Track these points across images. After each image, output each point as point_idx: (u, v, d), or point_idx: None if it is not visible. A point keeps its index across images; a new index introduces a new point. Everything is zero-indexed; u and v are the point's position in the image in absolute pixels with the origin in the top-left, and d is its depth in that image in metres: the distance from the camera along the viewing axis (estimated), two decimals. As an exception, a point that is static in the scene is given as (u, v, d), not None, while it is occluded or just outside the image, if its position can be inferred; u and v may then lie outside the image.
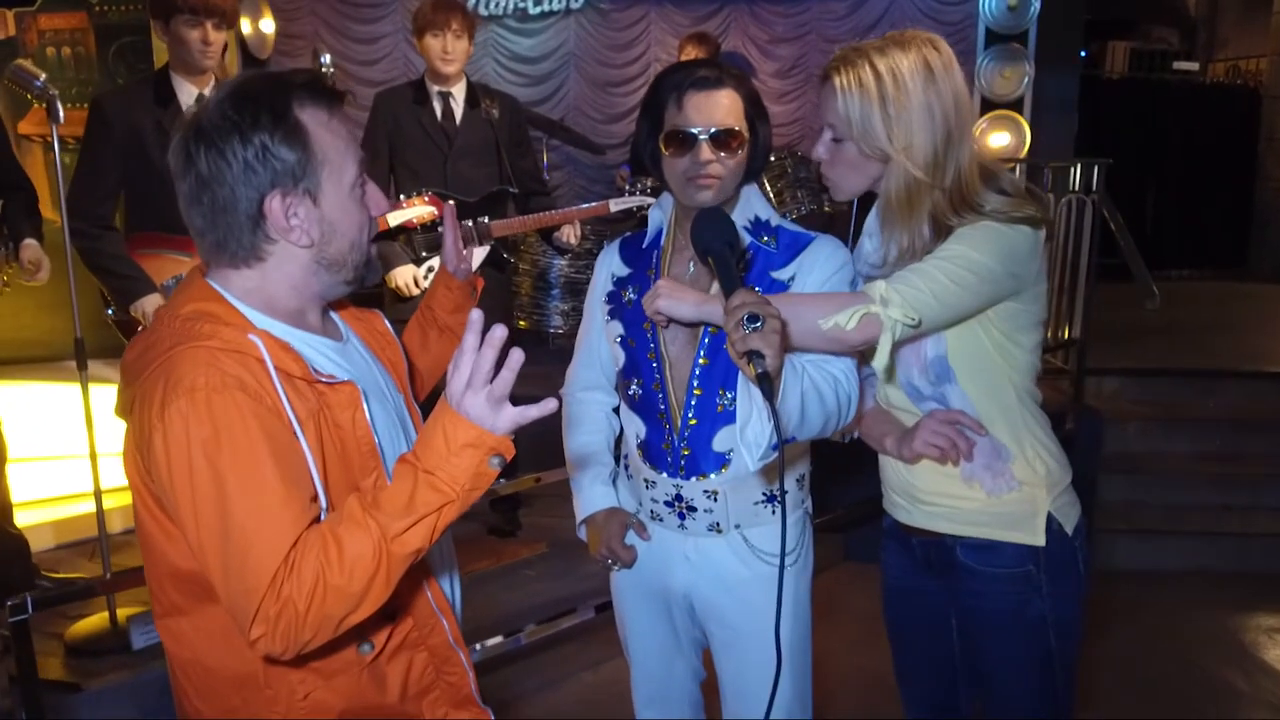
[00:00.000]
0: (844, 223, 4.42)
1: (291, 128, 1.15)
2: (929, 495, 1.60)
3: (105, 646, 2.69)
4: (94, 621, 2.79)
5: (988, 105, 4.82)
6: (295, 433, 1.13)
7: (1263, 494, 4.17)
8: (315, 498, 1.14)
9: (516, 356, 1.08)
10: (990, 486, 1.54)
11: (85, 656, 2.65)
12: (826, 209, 4.38)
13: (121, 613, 2.76)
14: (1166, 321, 5.58)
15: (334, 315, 1.37)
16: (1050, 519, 1.55)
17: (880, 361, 1.39)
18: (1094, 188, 4.07)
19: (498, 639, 2.85)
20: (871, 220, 1.60)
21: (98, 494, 2.73)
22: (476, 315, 1.09)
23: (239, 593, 1.07)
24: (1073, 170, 4.18)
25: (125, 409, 1.18)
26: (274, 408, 1.12)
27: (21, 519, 3.03)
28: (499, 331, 1.07)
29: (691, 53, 4.66)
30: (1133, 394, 4.54)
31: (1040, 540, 1.54)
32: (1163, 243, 7.91)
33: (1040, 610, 1.55)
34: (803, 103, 6.50)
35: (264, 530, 1.06)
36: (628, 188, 3.23)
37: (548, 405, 1.11)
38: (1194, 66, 9.15)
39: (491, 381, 1.08)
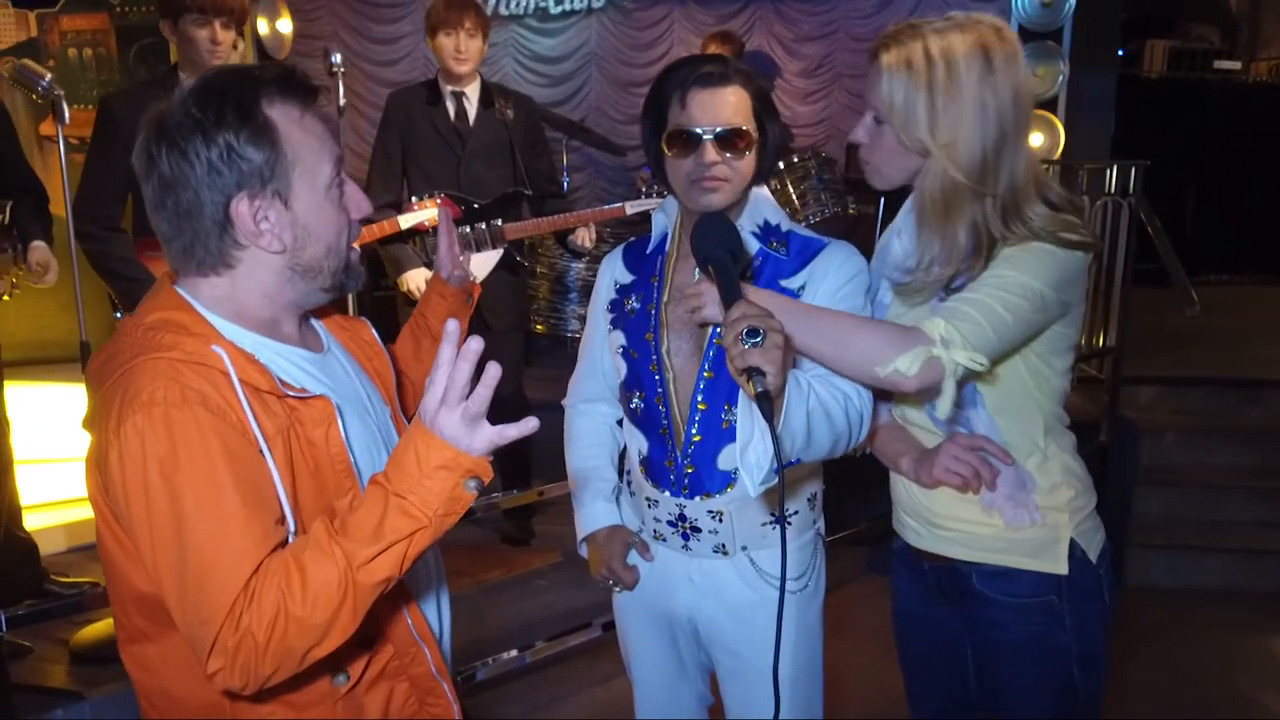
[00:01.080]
0: (869, 226, 4.32)
1: (259, 126, 1.08)
2: (944, 519, 1.50)
3: (110, 654, 2.64)
4: (99, 629, 2.76)
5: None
6: (261, 450, 1.06)
7: (1307, 509, 4.00)
8: (282, 520, 1.07)
9: (493, 371, 1.01)
10: (1010, 518, 1.45)
11: (89, 664, 2.62)
12: (851, 211, 4.28)
13: (127, 620, 2.73)
14: (1205, 328, 5.41)
15: (316, 324, 1.30)
16: (1073, 545, 1.45)
17: (944, 409, 1.29)
18: (1130, 190, 3.93)
19: (509, 654, 2.79)
20: (904, 219, 1.50)
21: (102, 499, 2.71)
22: (452, 326, 1.01)
23: (195, 622, 1.00)
24: (1108, 172, 4.05)
25: (90, 420, 1.12)
26: (238, 424, 1.05)
27: (32, 521, 3.01)
28: (474, 344, 1.00)
29: (715, 52, 4.58)
30: (1170, 404, 4.39)
31: (1063, 568, 1.44)
32: (1202, 247, 7.69)
33: (1063, 642, 1.46)
34: (829, 102, 6.38)
35: (222, 555, 1.00)
36: (644, 190, 3.16)
37: (528, 425, 1.03)
38: (1236, 66, 8.90)
39: (468, 398, 1.00)
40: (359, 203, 1.20)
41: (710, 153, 1.46)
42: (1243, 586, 3.75)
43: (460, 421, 1.00)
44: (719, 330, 1.51)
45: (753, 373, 1.13)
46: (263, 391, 1.09)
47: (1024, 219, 1.33)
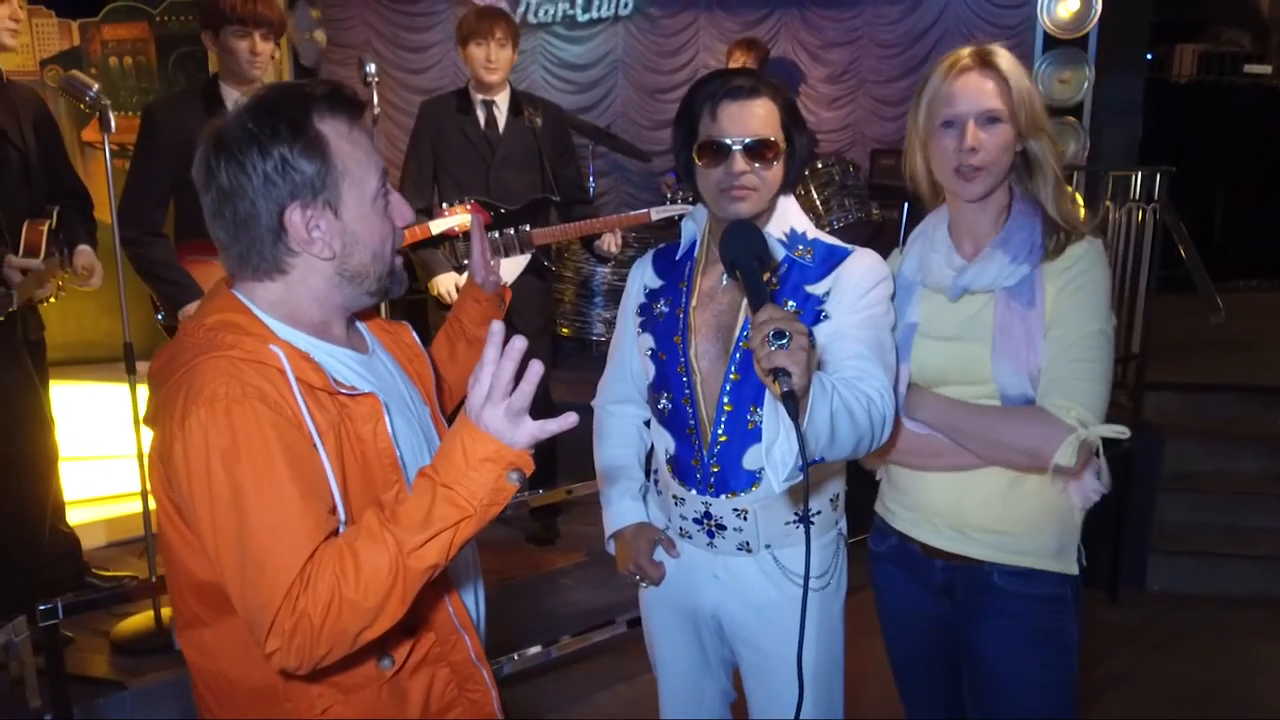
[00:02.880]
0: (893, 231, 4.34)
1: (311, 140, 1.14)
2: (982, 520, 1.56)
3: (149, 645, 2.74)
4: (139, 620, 2.84)
5: (1045, 110, 4.68)
6: (315, 444, 1.12)
7: (1332, 517, 3.98)
8: (334, 510, 1.13)
9: (535, 369, 1.07)
10: (1080, 502, 1.55)
11: (130, 655, 2.70)
12: (875, 216, 4.30)
13: (166, 612, 2.81)
14: (1230, 335, 5.35)
15: (361, 327, 1.36)
16: (1079, 550, 1.59)
17: (1068, 460, 1.43)
18: (1155, 196, 3.92)
19: (534, 649, 2.84)
20: (931, 232, 1.61)
21: (144, 495, 2.79)
22: (497, 327, 1.07)
23: (255, 606, 1.06)
24: (1134, 178, 4.04)
25: (152, 417, 1.19)
26: (294, 419, 1.11)
27: (73, 517, 3.10)
28: (518, 343, 1.05)
29: (740, 58, 4.62)
30: (1194, 410, 4.36)
31: (1074, 570, 1.58)
32: (1230, 253, 7.62)
33: (1071, 635, 1.58)
34: (853, 108, 6.39)
35: (280, 542, 1.06)
36: (669, 195, 3.20)
37: (568, 419, 1.09)
38: (1266, 70, 8.79)
39: (511, 394, 1.06)
40: (402, 211, 1.27)
41: (739, 163, 1.51)
42: (1267, 593, 3.74)
43: (504, 417, 1.06)
44: (745, 334, 1.56)
45: (779, 373, 1.17)
46: (316, 389, 1.15)
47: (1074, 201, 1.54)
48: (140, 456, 2.76)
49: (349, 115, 1.19)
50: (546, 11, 6.50)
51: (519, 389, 1.06)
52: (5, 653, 2.04)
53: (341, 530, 1.13)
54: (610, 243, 3.17)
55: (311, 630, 1.04)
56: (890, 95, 6.38)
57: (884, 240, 4.11)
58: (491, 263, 1.62)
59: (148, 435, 2.66)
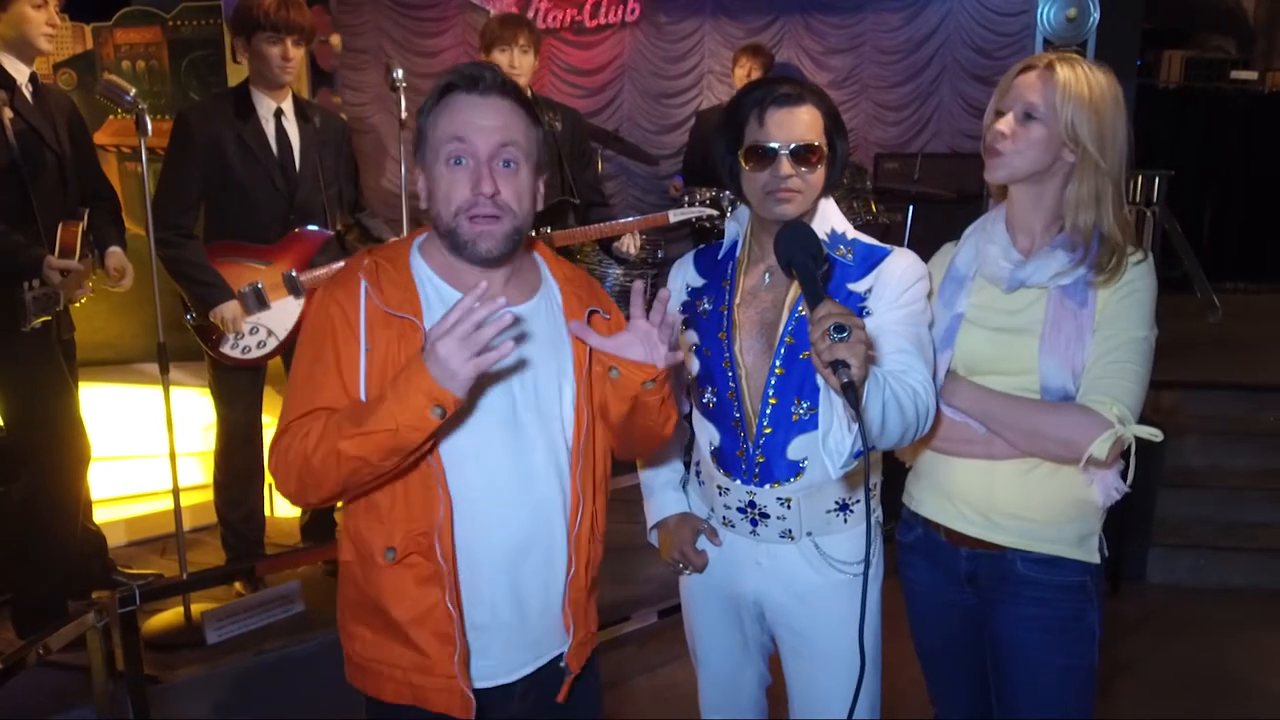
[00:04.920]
0: (898, 234, 4.43)
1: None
2: (1008, 507, 1.62)
3: (181, 641, 2.78)
4: (169, 616, 2.89)
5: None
6: (360, 346, 1.37)
7: (1326, 511, 4.08)
8: (356, 396, 1.37)
9: (507, 319, 1.27)
10: (1102, 499, 1.61)
11: (161, 650, 2.74)
12: (882, 220, 4.39)
13: (195, 608, 2.86)
14: (1225, 334, 5.48)
15: (555, 294, 1.51)
16: (1100, 540, 1.65)
17: (1102, 453, 1.50)
18: (1154, 199, 4.03)
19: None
20: (990, 226, 1.69)
21: (176, 493, 2.83)
22: (483, 285, 1.25)
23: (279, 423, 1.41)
24: (1133, 182, 4.15)
25: None
26: (351, 324, 1.38)
27: (96, 516, 3.14)
28: (483, 286, 1.24)
29: (746, 64, 4.70)
30: (1192, 408, 4.46)
31: (1096, 559, 1.64)
32: (1220, 255, 7.75)
33: (1092, 622, 1.63)
34: (856, 113, 6.48)
35: (294, 394, 1.39)
36: (686, 199, 3.27)
37: (504, 350, 1.24)
38: (1253, 76, 8.93)
39: (475, 331, 1.22)
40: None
41: (785, 166, 1.58)
42: (1264, 586, 3.83)
43: (458, 347, 1.21)
44: (789, 330, 1.64)
45: (839, 365, 1.24)
46: (380, 308, 1.37)
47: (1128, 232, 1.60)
48: (173, 456, 2.80)
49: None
50: (555, 18, 6.58)
51: (481, 330, 1.21)
52: (88, 638, 2.09)
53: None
54: (630, 244, 3.24)
55: (283, 463, 1.35)
56: (892, 100, 6.48)
57: (890, 240, 4.19)
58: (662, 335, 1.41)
59: (178, 435, 2.72)
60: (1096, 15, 4.40)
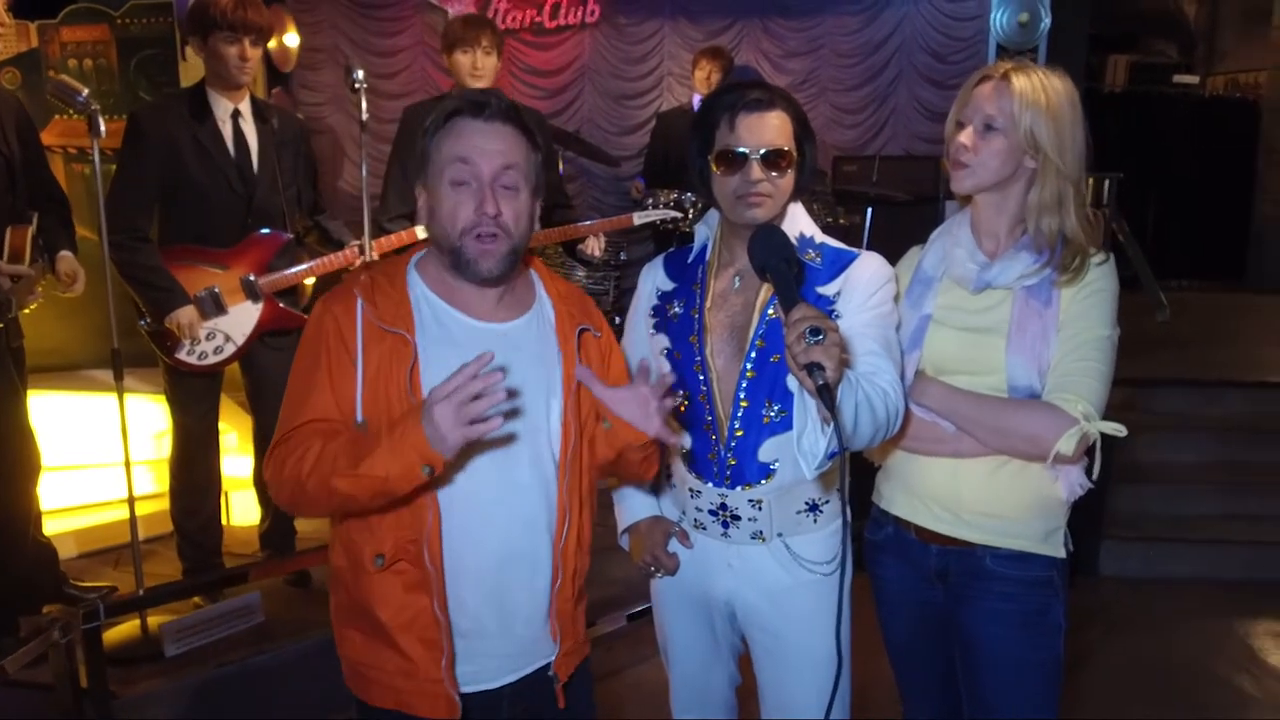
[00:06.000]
0: (857, 236, 4.49)
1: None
2: (976, 505, 1.65)
3: (139, 654, 2.71)
4: (126, 629, 2.81)
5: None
6: (356, 361, 1.40)
7: (1269, 503, 4.21)
8: (352, 412, 1.40)
9: (499, 396, 1.27)
10: (1067, 494, 1.65)
11: (119, 664, 2.66)
12: (841, 222, 4.44)
13: (153, 620, 2.79)
14: (1170, 332, 5.64)
15: (549, 313, 1.53)
16: (1066, 534, 1.69)
17: (1069, 449, 1.54)
18: (1104, 201, 4.13)
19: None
20: (955, 229, 1.72)
21: (131, 503, 2.76)
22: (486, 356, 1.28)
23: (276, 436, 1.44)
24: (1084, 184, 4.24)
25: None
26: (346, 338, 1.42)
27: (47, 528, 3.05)
28: (486, 357, 1.27)
29: (706, 67, 4.73)
30: (1140, 404, 4.59)
31: (1061, 553, 1.68)
32: (1163, 254, 7.98)
33: (1057, 616, 1.67)
34: (814, 116, 6.52)
35: (289, 406, 1.44)
36: (648, 201, 3.28)
37: (492, 424, 1.28)
38: (1194, 80, 9.23)
39: (471, 402, 1.25)
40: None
41: (756, 171, 1.60)
42: (1209, 576, 3.95)
43: (453, 414, 1.25)
44: (760, 333, 1.65)
45: (814, 367, 1.26)
46: (374, 323, 1.41)
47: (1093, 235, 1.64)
48: (127, 465, 2.74)
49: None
50: (514, 18, 6.55)
51: (476, 402, 1.25)
52: (50, 656, 2.03)
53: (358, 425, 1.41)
54: (594, 246, 3.23)
55: (278, 475, 1.38)
56: (850, 103, 6.56)
57: (850, 242, 4.24)
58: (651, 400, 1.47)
59: (132, 443, 2.66)
60: (1047, 20, 4.50)
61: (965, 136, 1.62)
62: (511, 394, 1.40)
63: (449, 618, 1.43)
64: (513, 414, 1.43)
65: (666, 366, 1.76)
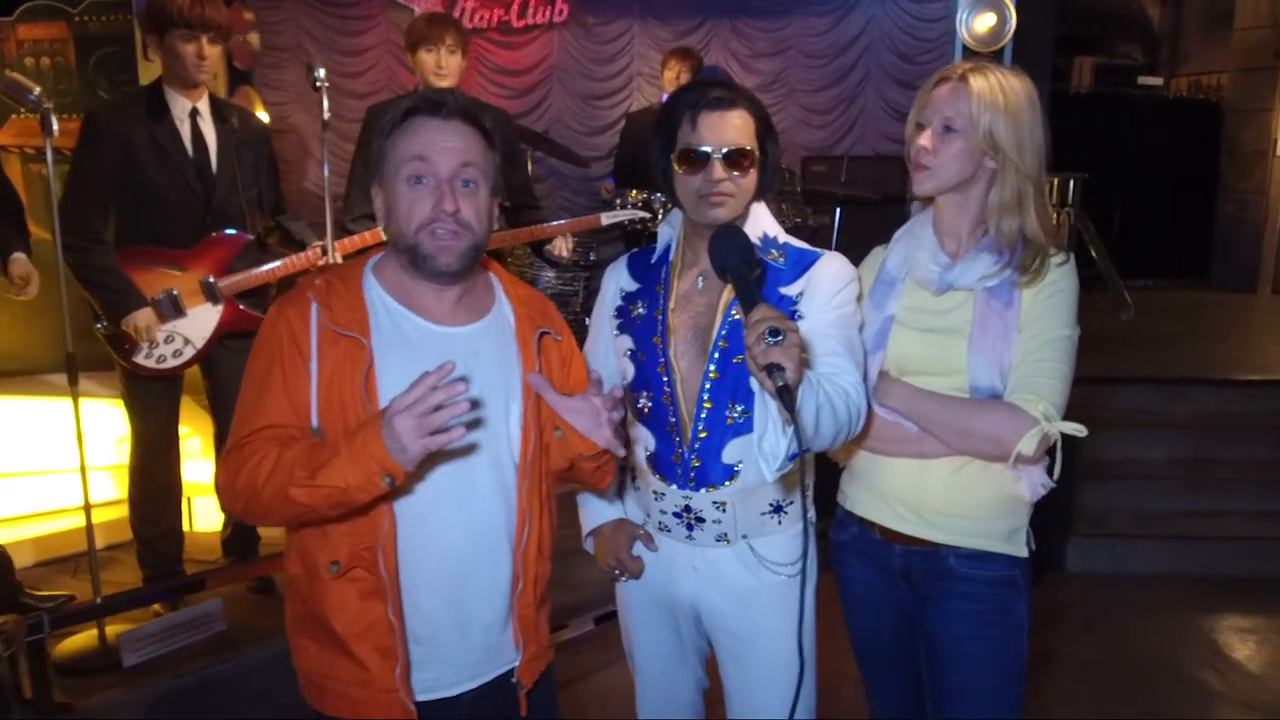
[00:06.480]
0: (826, 236, 4.51)
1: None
2: (940, 505, 1.65)
3: (95, 664, 2.65)
4: (82, 640, 2.75)
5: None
6: (310, 366, 1.38)
7: (1231, 499, 4.28)
8: (307, 417, 1.38)
9: (461, 408, 1.25)
10: (1030, 494, 1.65)
11: (74, 675, 2.60)
12: (810, 223, 4.45)
13: (111, 629, 2.73)
14: (1134, 330, 5.71)
15: (508, 316, 1.52)
16: (1028, 534, 1.69)
17: (1030, 449, 1.54)
18: (1070, 201, 4.17)
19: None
20: (917, 230, 1.71)
21: (88, 510, 2.70)
22: (447, 366, 1.25)
23: (228, 443, 1.42)
24: (1049, 185, 4.28)
25: None
26: (299, 342, 1.39)
27: (1, 536, 2.98)
28: (447, 367, 1.24)
29: (675, 67, 4.72)
30: (1106, 401, 4.64)
31: (1024, 552, 1.69)
32: (1127, 253, 8.10)
33: (1020, 615, 1.68)
34: (783, 116, 6.57)
35: (241, 412, 1.41)
36: (617, 201, 3.26)
37: (454, 434, 1.26)
38: (1158, 81, 9.37)
39: (431, 413, 1.23)
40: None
41: (718, 170, 1.58)
42: (1173, 571, 4.01)
43: (414, 425, 1.23)
44: (723, 334, 1.64)
45: (773, 369, 1.25)
46: (329, 328, 1.39)
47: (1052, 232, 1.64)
48: (83, 471, 2.68)
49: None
50: (482, 17, 6.51)
51: (437, 413, 1.24)
52: None
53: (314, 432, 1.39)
54: (561, 247, 3.21)
55: (232, 484, 1.35)
56: (818, 104, 6.59)
57: (818, 242, 4.26)
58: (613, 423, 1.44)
59: (88, 449, 2.60)
60: (1013, 21, 4.53)
61: (925, 139, 1.62)
62: (474, 405, 1.38)
63: (404, 625, 1.41)
64: (473, 421, 1.41)
65: (630, 369, 1.74)
